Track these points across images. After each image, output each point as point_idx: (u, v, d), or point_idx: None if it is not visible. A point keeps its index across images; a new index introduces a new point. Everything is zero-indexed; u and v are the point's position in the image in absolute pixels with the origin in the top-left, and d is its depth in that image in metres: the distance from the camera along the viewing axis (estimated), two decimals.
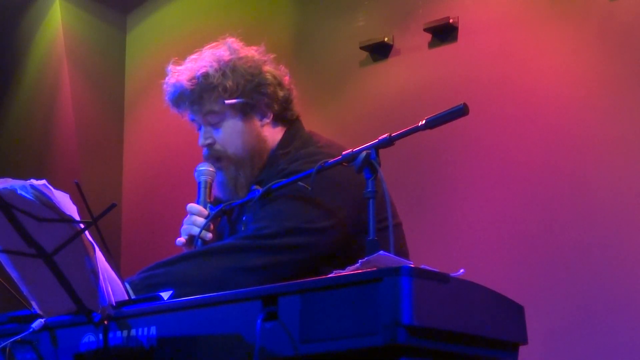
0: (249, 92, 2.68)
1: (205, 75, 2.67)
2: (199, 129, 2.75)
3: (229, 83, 2.66)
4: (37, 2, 5.56)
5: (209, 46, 2.76)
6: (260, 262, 2.43)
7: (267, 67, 2.73)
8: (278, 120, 2.74)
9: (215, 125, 2.71)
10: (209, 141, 2.72)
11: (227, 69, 2.67)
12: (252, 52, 2.75)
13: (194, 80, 2.68)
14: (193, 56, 2.75)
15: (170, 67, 2.76)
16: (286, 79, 2.76)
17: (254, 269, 2.42)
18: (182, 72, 2.71)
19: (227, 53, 2.71)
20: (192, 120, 2.76)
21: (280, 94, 2.72)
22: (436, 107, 2.24)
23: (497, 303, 1.98)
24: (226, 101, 2.67)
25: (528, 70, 3.94)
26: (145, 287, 2.35)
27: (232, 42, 2.75)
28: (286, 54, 4.56)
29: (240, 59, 2.70)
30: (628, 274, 3.55)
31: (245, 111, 2.70)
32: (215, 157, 2.72)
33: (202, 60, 2.71)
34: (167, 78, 2.75)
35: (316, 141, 2.70)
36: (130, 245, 5.33)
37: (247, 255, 2.43)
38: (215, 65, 2.68)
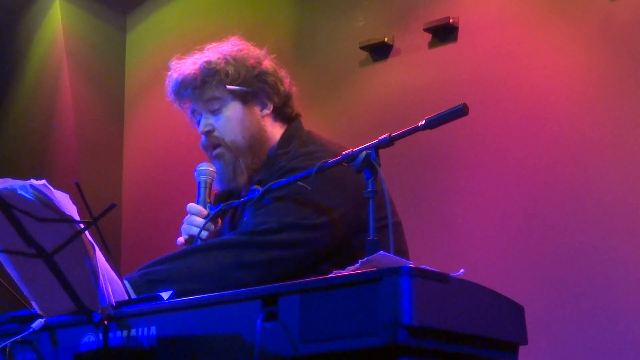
0: (250, 81, 2.71)
1: (208, 62, 2.71)
2: (198, 122, 2.75)
3: (230, 70, 2.70)
4: (37, 2, 5.56)
5: (211, 45, 2.79)
6: (257, 258, 2.43)
7: (268, 62, 2.77)
8: (278, 115, 2.76)
9: (216, 112, 2.72)
10: (208, 128, 2.73)
11: (229, 57, 2.72)
12: (254, 48, 2.79)
13: (196, 66, 2.71)
14: (196, 53, 2.78)
15: (173, 61, 2.79)
16: (286, 81, 2.78)
17: (251, 264, 2.43)
18: (184, 63, 2.76)
19: (229, 47, 2.76)
20: (193, 111, 2.76)
21: (281, 87, 2.75)
22: (436, 107, 2.25)
23: (497, 303, 1.98)
24: (228, 86, 2.69)
25: (528, 70, 3.94)
26: (144, 284, 2.35)
27: (234, 39, 2.80)
28: (286, 54, 4.56)
29: (241, 50, 2.75)
30: (628, 274, 3.55)
31: (246, 99, 2.72)
32: (213, 144, 2.73)
33: (205, 53, 2.76)
34: (170, 71, 2.78)
35: (315, 140, 2.71)
36: (130, 245, 5.33)
37: (244, 251, 2.44)
38: (217, 54, 2.73)
